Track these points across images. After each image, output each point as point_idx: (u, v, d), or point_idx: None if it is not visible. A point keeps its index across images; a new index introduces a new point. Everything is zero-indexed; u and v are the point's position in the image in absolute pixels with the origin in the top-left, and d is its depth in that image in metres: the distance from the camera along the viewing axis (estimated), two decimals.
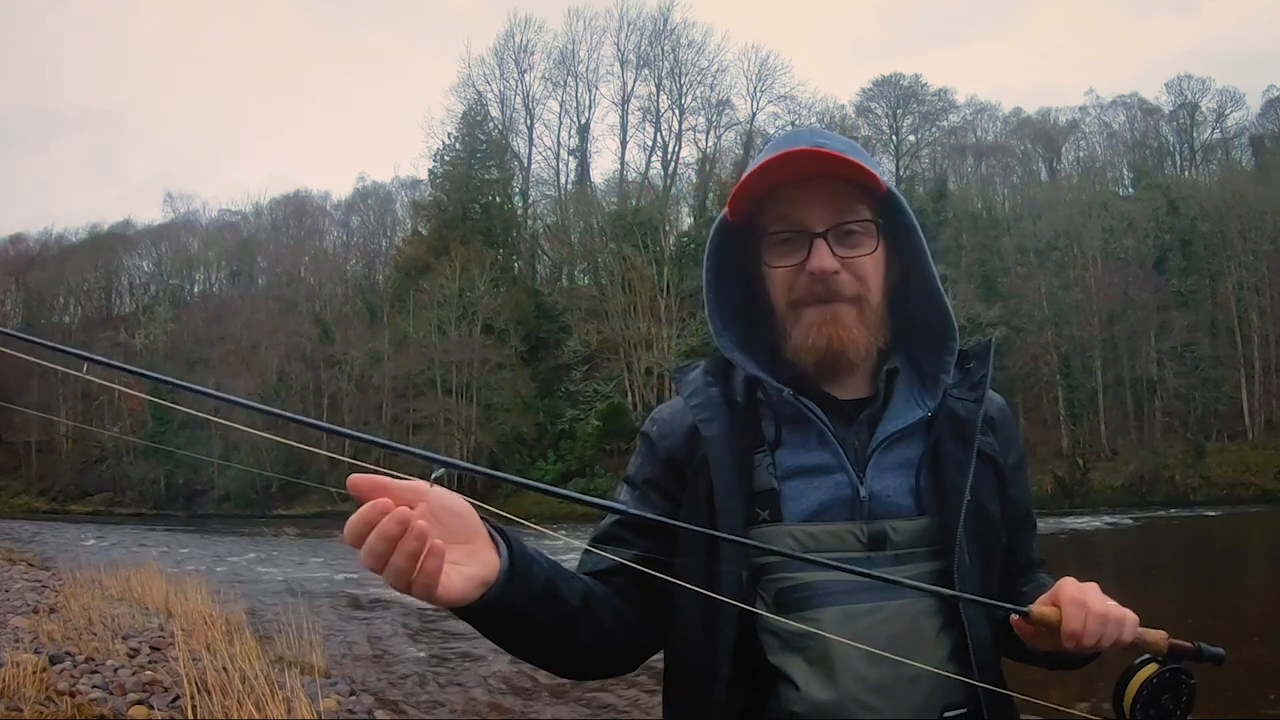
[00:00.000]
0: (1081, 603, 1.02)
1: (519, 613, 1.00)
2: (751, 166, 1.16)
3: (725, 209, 1.20)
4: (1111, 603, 1.04)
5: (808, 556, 1.07)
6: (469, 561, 0.92)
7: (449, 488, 0.90)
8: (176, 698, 5.31)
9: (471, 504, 0.93)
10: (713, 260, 1.25)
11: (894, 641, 1.07)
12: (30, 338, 0.92)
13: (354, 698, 6.62)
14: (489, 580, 0.94)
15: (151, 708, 5.28)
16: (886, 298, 1.21)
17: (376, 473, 0.84)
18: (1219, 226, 42.73)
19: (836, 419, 1.17)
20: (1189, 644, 1.06)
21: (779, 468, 1.16)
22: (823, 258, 1.13)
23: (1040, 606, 1.05)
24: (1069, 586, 1.05)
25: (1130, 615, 1.04)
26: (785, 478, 1.16)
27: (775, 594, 1.11)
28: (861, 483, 1.14)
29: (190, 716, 4.84)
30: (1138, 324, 41.05)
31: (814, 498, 1.14)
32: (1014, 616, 1.06)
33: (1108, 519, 29.33)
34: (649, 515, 1.13)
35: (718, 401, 1.21)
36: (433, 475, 0.87)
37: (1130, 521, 28.67)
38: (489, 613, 0.96)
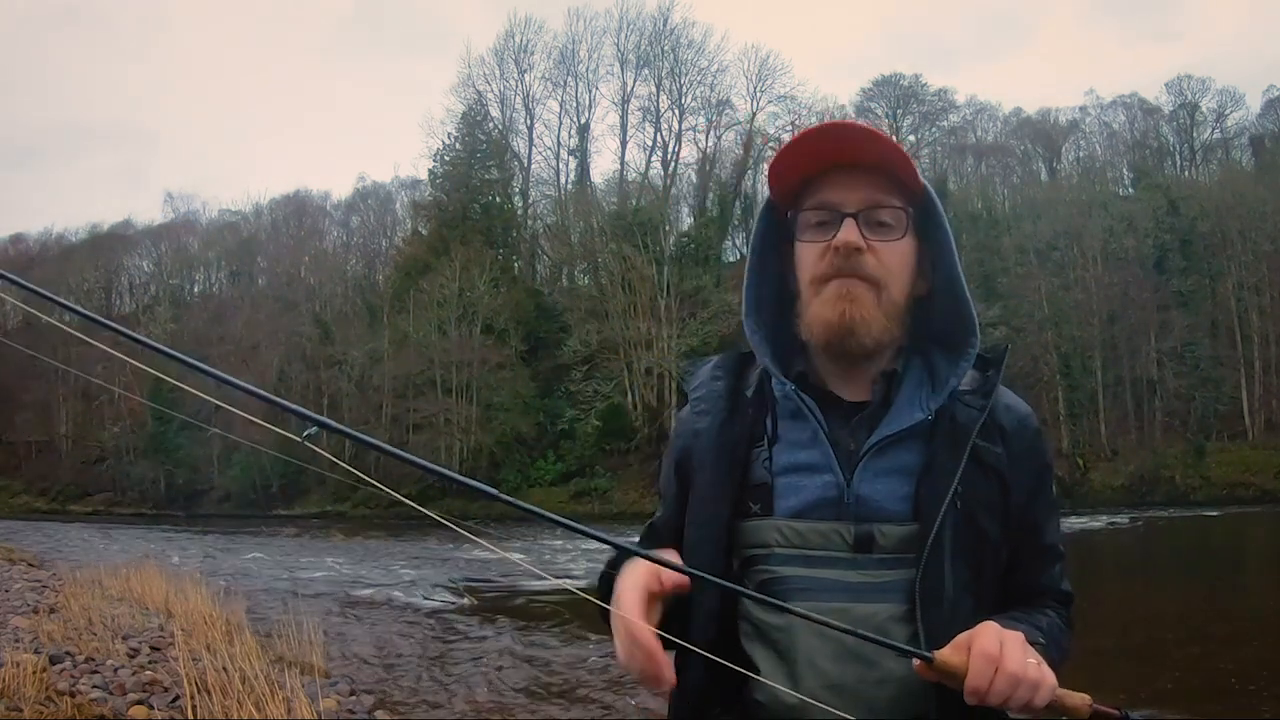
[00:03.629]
0: (993, 657, 0.95)
1: None
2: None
3: (768, 190, 1.21)
4: (1031, 660, 0.97)
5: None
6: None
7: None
8: (176, 698, 5.30)
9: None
10: (756, 248, 1.26)
11: (859, 645, 1.03)
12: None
13: (354, 698, 6.60)
14: None
15: (151, 708, 5.27)
16: (910, 301, 1.19)
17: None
18: (1219, 226, 42.69)
19: (835, 418, 1.18)
20: (1114, 710, 0.97)
21: (775, 463, 1.18)
22: (849, 232, 1.13)
23: (947, 654, 0.97)
24: (985, 636, 0.98)
25: (1048, 678, 0.97)
26: (779, 473, 1.17)
27: (757, 586, 1.13)
28: (849, 484, 1.14)
29: (190, 716, 4.83)
30: (1138, 324, 41.06)
31: (803, 495, 1.15)
32: (917, 663, 0.98)
33: (1108, 519, 29.27)
34: (632, 548, 1.09)
35: (719, 395, 1.25)
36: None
37: (1130, 521, 28.65)
38: None
